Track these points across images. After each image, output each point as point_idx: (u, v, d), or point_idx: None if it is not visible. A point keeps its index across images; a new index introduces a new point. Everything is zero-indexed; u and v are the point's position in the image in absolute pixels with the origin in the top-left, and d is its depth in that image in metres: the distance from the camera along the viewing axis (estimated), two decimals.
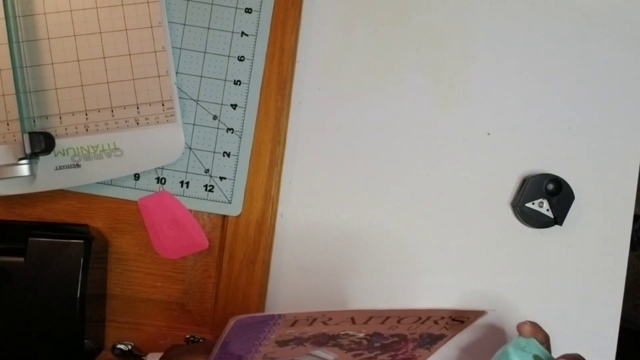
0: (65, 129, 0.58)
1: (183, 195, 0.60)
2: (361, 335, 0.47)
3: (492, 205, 0.64)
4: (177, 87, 0.59)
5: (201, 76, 0.60)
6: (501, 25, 0.65)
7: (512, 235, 0.64)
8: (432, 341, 0.50)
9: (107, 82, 0.58)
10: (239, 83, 0.60)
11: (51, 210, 0.60)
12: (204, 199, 0.60)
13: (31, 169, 0.56)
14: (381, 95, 0.65)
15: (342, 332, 0.46)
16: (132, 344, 0.60)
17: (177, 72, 0.60)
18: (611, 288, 0.64)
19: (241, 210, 0.60)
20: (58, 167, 0.58)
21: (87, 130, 0.58)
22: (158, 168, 0.60)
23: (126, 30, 0.58)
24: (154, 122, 0.59)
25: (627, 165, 0.65)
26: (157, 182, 0.60)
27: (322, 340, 0.46)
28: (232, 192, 0.60)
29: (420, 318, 0.47)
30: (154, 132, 0.58)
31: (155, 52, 0.58)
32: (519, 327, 0.54)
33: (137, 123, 0.58)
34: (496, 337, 0.64)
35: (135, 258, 0.60)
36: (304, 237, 0.64)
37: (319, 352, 0.48)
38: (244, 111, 0.60)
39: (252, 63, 0.60)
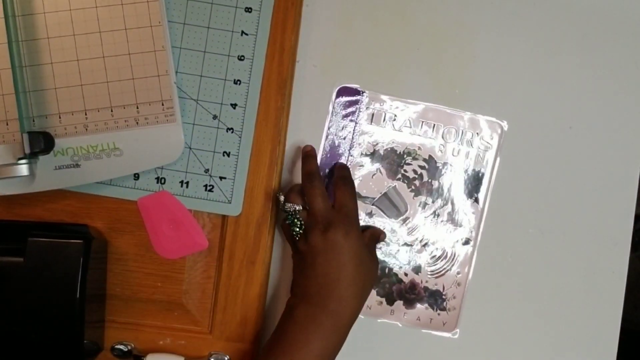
0: (65, 129, 0.58)
1: (183, 195, 0.60)
2: (420, 160, 0.63)
3: (493, 204, 0.64)
4: (177, 86, 0.59)
5: (201, 75, 0.60)
6: (502, 25, 0.65)
7: (512, 235, 0.64)
8: (476, 185, 0.64)
9: (107, 82, 0.58)
10: (239, 82, 0.60)
11: (50, 210, 0.60)
12: (203, 199, 0.60)
13: (30, 169, 0.56)
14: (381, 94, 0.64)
15: (405, 150, 0.63)
16: (132, 344, 0.60)
17: (176, 72, 0.60)
18: (612, 288, 0.64)
19: (241, 210, 0.60)
20: (57, 167, 0.57)
21: (86, 129, 0.58)
22: (158, 168, 0.60)
23: (126, 29, 0.58)
24: (153, 121, 0.58)
25: (628, 165, 0.65)
26: (157, 182, 0.60)
27: (393, 164, 0.63)
28: (232, 192, 0.60)
29: (457, 132, 0.63)
30: (153, 132, 0.58)
31: (154, 51, 0.58)
32: None
33: (137, 123, 0.58)
34: (503, 337, 0.64)
35: (134, 258, 0.60)
36: None
37: (394, 194, 0.63)
38: (244, 111, 0.60)
39: (252, 62, 0.60)
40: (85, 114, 0.58)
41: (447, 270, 0.63)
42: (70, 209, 0.60)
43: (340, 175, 0.61)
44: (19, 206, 0.60)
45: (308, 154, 0.61)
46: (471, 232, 0.64)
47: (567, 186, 0.64)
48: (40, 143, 0.55)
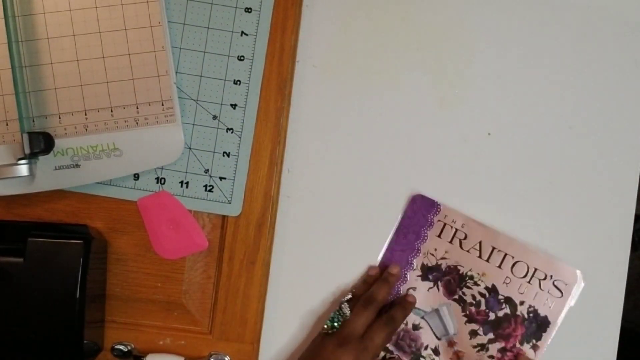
0: (65, 129, 0.58)
1: (183, 196, 0.60)
2: (481, 287, 0.58)
3: (493, 205, 0.64)
4: (177, 86, 0.59)
5: (201, 76, 0.60)
6: (501, 25, 0.65)
7: (513, 236, 0.64)
8: (538, 331, 0.58)
9: (107, 82, 0.58)
10: (238, 83, 0.60)
11: (50, 210, 0.60)
12: (203, 199, 0.60)
13: (30, 169, 0.56)
14: (381, 95, 0.64)
15: (468, 272, 0.59)
16: (132, 344, 0.60)
17: (176, 72, 0.60)
18: (612, 288, 0.64)
19: (241, 211, 0.60)
20: (57, 167, 0.57)
21: (86, 130, 0.58)
22: (158, 168, 0.60)
23: (125, 30, 0.58)
24: (153, 122, 0.58)
25: (628, 165, 0.64)
26: (157, 182, 0.60)
27: (453, 283, 0.59)
28: (232, 192, 0.60)
29: (528, 269, 0.59)
30: (153, 132, 0.58)
31: (154, 51, 0.58)
32: None
33: (137, 123, 0.58)
34: None
35: (134, 258, 0.60)
36: (304, 238, 0.64)
37: (446, 314, 0.59)
38: (244, 111, 0.60)
39: (252, 63, 0.60)
40: (85, 114, 0.58)
41: None
42: (70, 209, 0.60)
43: (397, 310, 0.59)
44: (19, 206, 0.60)
45: (391, 277, 0.60)
46: None
47: (567, 186, 0.64)
48: (40, 143, 0.55)
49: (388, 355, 0.61)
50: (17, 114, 0.56)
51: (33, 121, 0.57)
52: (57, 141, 0.57)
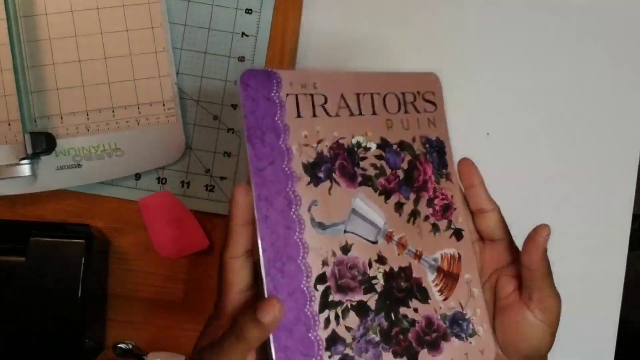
0: (67, 129, 0.58)
1: (184, 195, 0.60)
2: (373, 149, 0.47)
3: None
4: (178, 87, 0.59)
5: (202, 76, 0.60)
6: (501, 25, 0.65)
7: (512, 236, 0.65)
8: (440, 158, 0.50)
9: (108, 83, 0.58)
10: None
11: (52, 210, 0.60)
12: (204, 199, 0.60)
13: (32, 169, 0.56)
14: None
15: (352, 141, 0.46)
16: (133, 343, 0.60)
17: (177, 73, 0.60)
18: (610, 288, 0.64)
19: None
20: (59, 167, 0.58)
21: (88, 130, 0.58)
22: (159, 168, 0.60)
23: (127, 30, 0.58)
24: (154, 122, 0.59)
25: (626, 165, 0.65)
26: (158, 182, 0.60)
27: (347, 165, 0.45)
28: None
29: (398, 99, 0.48)
30: (154, 132, 0.59)
31: (156, 52, 0.59)
32: None
33: (138, 123, 0.59)
34: None
35: (136, 258, 0.60)
36: None
37: (363, 207, 0.46)
38: None
39: (252, 63, 0.60)
40: (87, 115, 0.58)
41: (455, 280, 0.48)
42: (72, 209, 0.60)
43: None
44: (21, 206, 0.60)
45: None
46: (457, 218, 0.49)
47: (565, 186, 0.65)
48: (42, 143, 0.55)
49: None
50: (19, 114, 0.56)
51: (35, 121, 0.58)
52: (59, 141, 0.57)
